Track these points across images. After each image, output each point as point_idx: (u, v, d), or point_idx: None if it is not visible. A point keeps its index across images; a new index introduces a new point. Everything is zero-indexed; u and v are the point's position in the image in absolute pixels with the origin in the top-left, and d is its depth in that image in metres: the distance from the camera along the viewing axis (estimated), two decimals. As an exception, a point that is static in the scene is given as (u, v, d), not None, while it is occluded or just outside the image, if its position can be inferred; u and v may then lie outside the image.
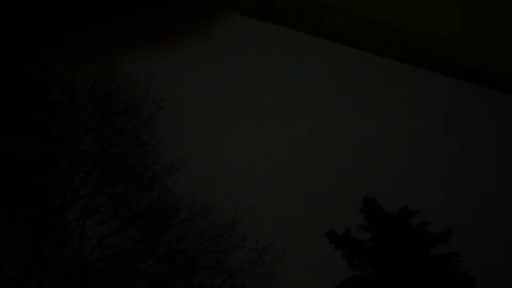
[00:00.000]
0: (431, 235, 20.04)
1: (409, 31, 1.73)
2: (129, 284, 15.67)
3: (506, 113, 19.20)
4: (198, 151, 18.67)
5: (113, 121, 17.30)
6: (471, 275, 19.41)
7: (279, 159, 19.19)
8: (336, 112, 21.99)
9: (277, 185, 18.50)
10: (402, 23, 1.73)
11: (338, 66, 21.24)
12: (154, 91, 17.81)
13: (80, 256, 14.99)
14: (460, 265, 19.37)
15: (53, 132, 15.66)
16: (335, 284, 19.54)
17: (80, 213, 15.49)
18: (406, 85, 21.97)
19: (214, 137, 19.79)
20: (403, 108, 21.75)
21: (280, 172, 18.61)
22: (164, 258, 15.98)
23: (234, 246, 16.43)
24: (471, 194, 20.31)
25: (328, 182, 19.90)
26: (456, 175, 20.86)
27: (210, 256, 16.25)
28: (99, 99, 17.34)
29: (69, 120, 16.45)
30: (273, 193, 18.11)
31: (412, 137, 21.88)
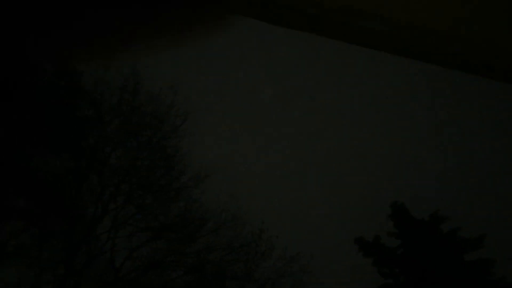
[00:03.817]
0: (463, 241, 19.89)
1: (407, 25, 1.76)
2: (160, 295, 15.29)
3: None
4: (223, 161, 18.18)
5: (139, 134, 17.73)
6: (508, 281, 19.26)
7: (305, 166, 19.13)
8: (363, 118, 21.86)
9: (304, 193, 18.40)
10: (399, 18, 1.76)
11: (354, 67, 21.24)
12: (178, 104, 18.19)
13: (111, 269, 15.26)
14: (495, 271, 19.25)
15: (82, 147, 16.09)
16: (364, 292, 19.49)
17: (111, 226, 15.81)
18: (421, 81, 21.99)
19: (238, 147, 19.84)
20: (426, 106, 21.57)
21: (306, 179, 18.53)
22: (193, 268, 16.09)
23: (262, 255, 16.34)
24: (505, 198, 20.23)
25: (356, 188, 19.79)
26: (489, 178, 20.76)
27: (238, 266, 16.23)
28: (125, 114, 17.79)
29: (97, 135, 16.91)
30: (300, 200, 18.01)
31: (440, 136, 21.75)
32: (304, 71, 22.61)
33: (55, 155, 14.95)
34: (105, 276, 15.19)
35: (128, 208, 16.36)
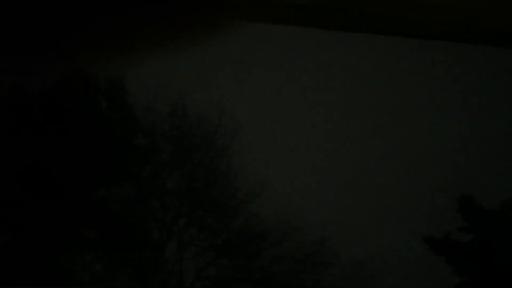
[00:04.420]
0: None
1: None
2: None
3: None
4: (276, 173, 18.74)
5: (192, 157, 18.29)
6: None
7: (360, 170, 19.24)
8: (421, 115, 21.87)
9: (363, 197, 18.56)
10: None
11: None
12: (225, 122, 18.88)
13: (183, 290, 15.07)
14: None
15: (141, 175, 16.67)
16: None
17: (177, 248, 16.36)
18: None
19: (290, 157, 20.15)
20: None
21: (363, 183, 18.66)
22: (260, 283, 16.30)
23: (328, 264, 16.33)
24: None
25: (416, 186, 19.77)
26: None
27: (305, 277, 16.29)
28: (177, 138, 18.45)
29: (153, 162, 17.52)
30: (359, 204, 18.23)
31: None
32: (353, 79, 22.71)
33: (117, 185, 15.58)
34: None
35: (191, 229, 16.94)
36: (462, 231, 17.66)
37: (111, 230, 14.46)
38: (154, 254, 15.70)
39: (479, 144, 21.23)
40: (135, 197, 16.13)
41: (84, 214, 13.85)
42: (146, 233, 15.81)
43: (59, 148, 13.65)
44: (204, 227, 16.91)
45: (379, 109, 21.64)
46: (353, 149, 19.68)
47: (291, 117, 20.86)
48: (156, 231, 16.31)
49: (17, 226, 13.18)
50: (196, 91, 18.25)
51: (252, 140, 18.82)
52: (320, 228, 16.52)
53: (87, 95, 14.95)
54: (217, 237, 16.90)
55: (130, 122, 16.04)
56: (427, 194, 19.02)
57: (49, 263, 13.89)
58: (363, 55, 25.11)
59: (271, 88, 21.06)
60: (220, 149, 18.26)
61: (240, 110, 19.26)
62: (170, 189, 17.06)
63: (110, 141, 15.18)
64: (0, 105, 13.62)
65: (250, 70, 21.08)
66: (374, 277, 16.17)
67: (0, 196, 13.39)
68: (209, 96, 18.58)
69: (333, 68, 22.62)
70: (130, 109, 16.36)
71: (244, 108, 19.33)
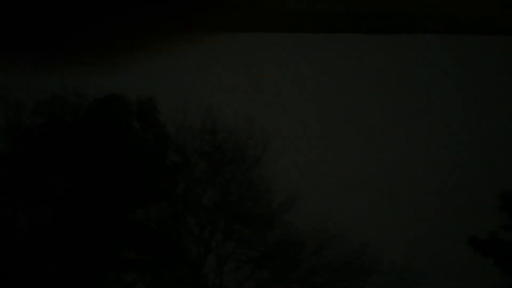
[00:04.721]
0: None
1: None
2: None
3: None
4: (310, 182, 18.60)
5: (224, 171, 18.31)
6: None
7: (398, 172, 18.80)
8: (464, 114, 21.43)
9: (402, 200, 18.12)
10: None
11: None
12: (256, 134, 18.71)
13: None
14: None
15: (177, 192, 16.62)
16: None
17: (216, 263, 16.41)
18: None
19: (322, 165, 19.93)
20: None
21: (402, 185, 18.23)
22: (301, 294, 15.55)
23: (369, 271, 16.16)
24: None
25: (455, 187, 19.27)
26: None
27: (346, 286, 16.19)
28: (209, 153, 18.48)
29: (187, 178, 17.48)
30: (398, 208, 17.79)
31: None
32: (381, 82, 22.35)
33: (154, 204, 15.89)
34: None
35: (229, 243, 16.94)
36: (508, 230, 16.94)
37: (151, 249, 14.71)
38: (194, 270, 15.88)
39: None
40: (172, 214, 16.41)
41: (124, 235, 14.25)
42: (185, 250, 16.01)
43: (96, 172, 13.97)
44: (241, 240, 16.91)
45: (411, 112, 21.23)
46: (388, 153, 19.30)
47: (320, 124, 20.60)
48: (194, 247, 16.47)
49: (58, 249, 13.50)
50: (224, 105, 18.11)
51: (283, 150, 18.68)
52: (359, 235, 16.30)
53: (120, 117, 15.26)
54: (255, 249, 16.89)
55: (162, 141, 16.44)
56: (467, 193, 18.47)
57: (92, 284, 14.15)
58: (385, 56, 24.82)
59: (297, 96, 20.88)
60: (251, 161, 18.25)
61: (269, 121, 19.06)
62: (205, 204, 17.20)
63: (145, 161, 15.37)
64: (39, 133, 14.11)
65: (275, 80, 20.86)
66: (417, 283, 15.88)
67: (42, 220, 13.75)
68: (237, 109, 18.40)
69: (360, 72, 22.32)
70: (162, 128, 16.68)
71: (273, 119, 19.15)
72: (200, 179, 17.48)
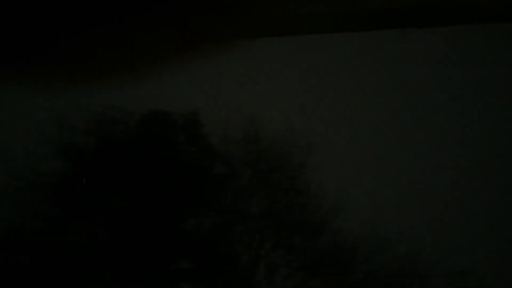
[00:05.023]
0: None
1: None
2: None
3: None
4: (357, 186, 18.71)
5: (270, 179, 18.48)
6: None
7: (450, 174, 19.23)
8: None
9: (457, 202, 18.57)
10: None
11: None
12: (298, 141, 19.36)
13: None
14: None
15: (225, 202, 20.02)
16: None
17: (267, 271, 17.06)
18: None
19: (368, 168, 19.94)
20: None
21: (455, 187, 18.69)
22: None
23: (425, 276, 15.97)
24: None
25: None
26: None
27: None
28: (253, 163, 19.52)
29: (233, 189, 19.67)
30: (453, 211, 18.68)
31: None
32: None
33: (203, 214, 16.86)
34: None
35: (278, 251, 17.16)
36: None
37: (203, 259, 15.82)
38: (246, 278, 16.85)
39: None
40: (221, 224, 17.21)
41: (177, 246, 15.23)
42: (236, 258, 16.84)
43: (147, 187, 15.15)
44: (291, 248, 17.12)
45: (459, 109, 19.89)
46: (442, 152, 20.29)
47: (365, 126, 19.89)
48: (245, 256, 17.07)
49: (116, 262, 14.50)
50: (265, 113, 20.50)
51: (328, 155, 20.09)
52: (414, 238, 15.90)
53: (167, 132, 16.40)
54: (306, 256, 17.15)
55: (207, 153, 17.42)
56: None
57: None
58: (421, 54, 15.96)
59: (339, 99, 20.16)
60: (296, 168, 17.95)
61: (311, 126, 20.26)
62: (253, 213, 17.80)
63: (192, 174, 16.47)
64: (91, 152, 15.34)
65: (315, 85, 20.89)
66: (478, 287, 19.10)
67: (100, 235, 14.76)
68: (278, 116, 20.94)
69: (404, 72, 19.59)
70: (206, 140, 17.42)
71: (315, 124, 20.26)
72: (247, 188, 17.89)
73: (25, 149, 14.79)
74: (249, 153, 17.93)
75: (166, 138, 16.10)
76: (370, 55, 18.55)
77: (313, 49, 18.10)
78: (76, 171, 15.25)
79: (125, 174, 15.21)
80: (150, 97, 16.98)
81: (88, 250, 14.47)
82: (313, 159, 16.98)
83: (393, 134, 17.63)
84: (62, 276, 13.79)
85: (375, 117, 18.52)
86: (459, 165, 15.98)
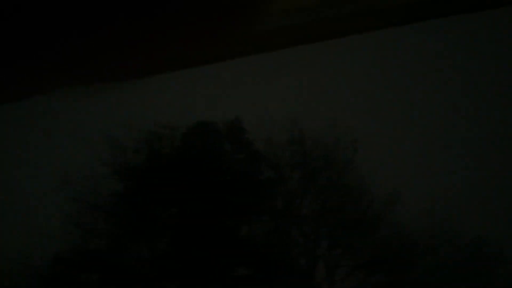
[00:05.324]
0: None
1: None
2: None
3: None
4: (410, 178, 17.83)
5: (318, 178, 18.03)
6: None
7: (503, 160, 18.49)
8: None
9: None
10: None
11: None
12: (343, 137, 17.94)
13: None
14: None
15: (276, 206, 19.61)
16: None
17: (326, 272, 16.42)
18: None
19: (418, 157, 19.42)
20: None
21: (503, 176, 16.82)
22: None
23: (491, 266, 15.46)
24: None
25: None
26: None
27: (469, 281, 15.51)
28: (300, 164, 18.37)
29: (284, 192, 19.34)
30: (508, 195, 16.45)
31: None
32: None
33: (256, 220, 16.40)
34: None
35: (335, 250, 16.71)
36: None
37: (261, 264, 15.35)
38: (305, 280, 16.09)
39: None
40: (275, 228, 16.69)
41: (234, 254, 14.96)
42: (293, 261, 16.25)
43: (199, 198, 14.84)
44: (347, 246, 16.60)
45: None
46: (491, 145, 19.61)
47: (411, 117, 19.56)
48: (302, 258, 16.53)
49: (178, 274, 14.55)
50: (307, 113, 20.10)
51: (375, 149, 19.57)
52: (475, 228, 15.20)
53: (213, 143, 15.88)
54: (364, 253, 16.45)
55: (254, 158, 16.74)
56: None
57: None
58: None
59: (379, 93, 19.91)
60: (344, 165, 17.75)
61: (355, 122, 19.84)
62: (306, 214, 17.28)
63: (241, 180, 16.02)
64: (142, 169, 15.07)
65: (355, 80, 20.65)
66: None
67: (161, 248, 14.85)
68: (321, 114, 20.48)
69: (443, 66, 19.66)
70: (251, 145, 16.96)
71: (359, 119, 19.90)
72: (296, 190, 17.43)
73: (82, 173, 15.29)
74: (295, 155, 17.63)
75: (212, 148, 15.73)
76: (407, 50, 18.11)
77: (361, 47, 17.67)
78: (131, 189, 15.40)
79: (177, 187, 15.08)
80: (193, 106, 16.96)
81: (151, 264, 14.74)
82: (361, 155, 16.88)
83: (443, 124, 17.09)
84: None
85: (421, 110, 18.03)
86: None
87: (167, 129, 15.45)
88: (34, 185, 14.39)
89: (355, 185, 17.47)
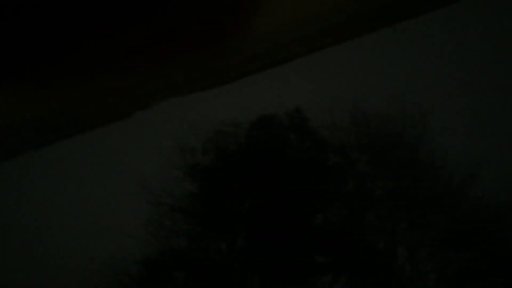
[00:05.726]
0: None
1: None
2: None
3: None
4: (487, 149, 17.01)
5: (388, 158, 17.34)
6: None
7: None
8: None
9: None
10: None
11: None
12: (410, 114, 17.21)
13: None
14: None
15: (348, 191, 16.94)
16: None
17: (408, 253, 16.06)
18: None
19: (492, 129, 18.58)
20: None
21: None
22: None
23: None
24: None
25: None
26: None
27: None
28: (367, 146, 17.64)
29: (353, 176, 18.71)
30: None
31: None
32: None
33: (330, 207, 16.23)
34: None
35: (415, 231, 16.19)
36: None
37: (339, 251, 15.38)
38: (387, 264, 15.82)
39: None
40: (349, 213, 16.37)
41: (312, 242, 15.04)
42: (371, 246, 16.02)
43: (271, 191, 15.10)
44: (427, 225, 16.04)
45: None
46: None
47: (486, 82, 18.90)
48: (381, 241, 16.15)
49: (258, 266, 14.84)
50: (370, 93, 19.40)
51: (447, 120, 18.82)
52: None
53: (277, 135, 15.98)
54: (445, 231, 15.89)
55: (319, 146, 16.72)
56: None
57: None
58: None
59: (443, 66, 19.33)
60: (414, 142, 17.02)
61: (421, 97, 19.22)
62: (379, 197, 16.78)
63: (309, 169, 16.00)
64: (212, 168, 15.55)
65: (417, 57, 20.18)
66: None
67: (239, 242, 15.22)
68: (384, 93, 19.76)
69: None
70: (315, 133, 16.83)
71: (424, 94, 19.31)
72: (366, 173, 16.93)
73: (158, 177, 15.55)
74: (361, 137, 17.07)
75: (277, 140, 15.87)
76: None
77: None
78: (204, 188, 15.74)
79: (248, 182, 15.31)
80: (255, 99, 16.80)
81: (231, 259, 15.06)
82: (431, 130, 16.13)
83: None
84: (214, 286, 14.63)
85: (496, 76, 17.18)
86: None
87: (231, 126, 15.78)
88: (115, 192, 14.88)
89: (429, 161, 16.79)
